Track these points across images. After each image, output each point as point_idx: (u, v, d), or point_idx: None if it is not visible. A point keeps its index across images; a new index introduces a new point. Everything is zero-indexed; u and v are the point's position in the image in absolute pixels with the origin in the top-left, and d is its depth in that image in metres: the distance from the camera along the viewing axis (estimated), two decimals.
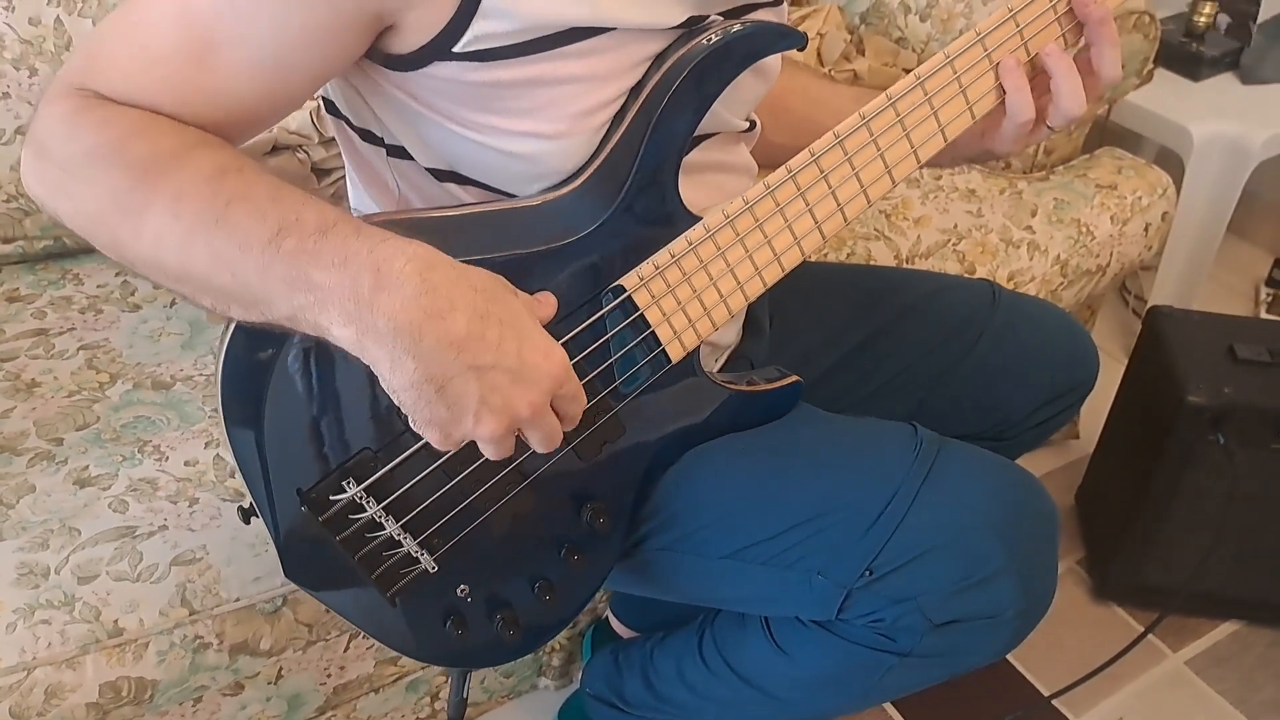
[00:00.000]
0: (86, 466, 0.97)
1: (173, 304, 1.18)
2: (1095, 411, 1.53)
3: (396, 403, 0.62)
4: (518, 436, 0.65)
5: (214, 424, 1.03)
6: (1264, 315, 1.95)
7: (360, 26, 0.65)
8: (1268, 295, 1.98)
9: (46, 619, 0.86)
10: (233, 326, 0.68)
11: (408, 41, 0.66)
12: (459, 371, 0.60)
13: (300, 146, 1.16)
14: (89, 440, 1.00)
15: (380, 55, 0.68)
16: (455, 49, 0.65)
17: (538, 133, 0.70)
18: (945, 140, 0.76)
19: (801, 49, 0.75)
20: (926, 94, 0.74)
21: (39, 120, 0.65)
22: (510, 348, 0.61)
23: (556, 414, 0.66)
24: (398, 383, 0.60)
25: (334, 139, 1.12)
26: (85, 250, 1.25)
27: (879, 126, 0.73)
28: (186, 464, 0.98)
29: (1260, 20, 1.87)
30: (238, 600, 0.91)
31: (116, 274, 1.22)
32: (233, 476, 0.98)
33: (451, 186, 0.74)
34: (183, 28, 0.63)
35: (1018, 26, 0.74)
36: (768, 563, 0.81)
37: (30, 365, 1.08)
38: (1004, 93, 0.76)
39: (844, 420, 0.88)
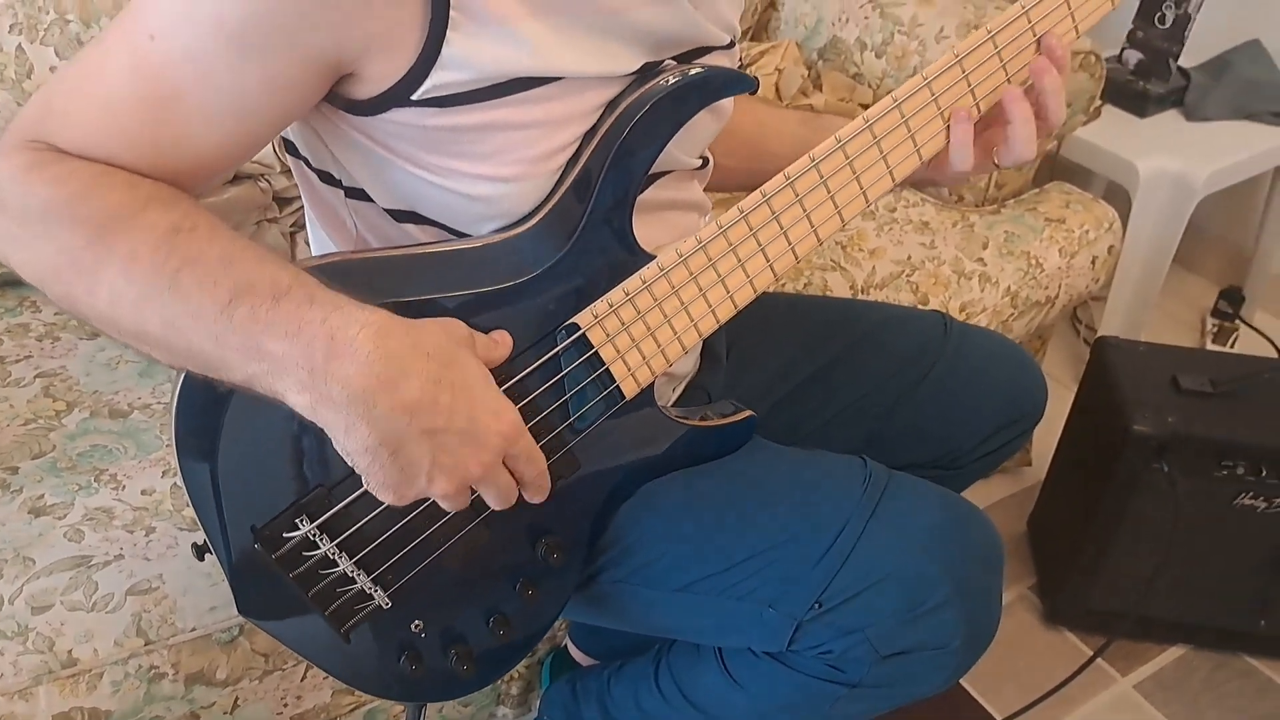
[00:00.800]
0: (42, 495, 0.97)
1: None
2: (1047, 439, 1.57)
3: (350, 465, 0.63)
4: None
5: (171, 453, 1.02)
6: (1210, 345, 2.00)
7: (318, 76, 0.65)
8: (1213, 326, 2.03)
9: (0, 649, 0.85)
10: (182, 380, 0.68)
11: (367, 89, 0.67)
12: (412, 436, 0.61)
13: (262, 175, 1.17)
14: (45, 469, 1.00)
15: (341, 100, 0.68)
16: (414, 96, 0.66)
17: (495, 175, 0.71)
18: (894, 181, 0.79)
19: (753, 93, 0.77)
20: (875, 137, 0.76)
21: None
22: (461, 410, 0.62)
23: (514, 474, 0.67)
24: (352, 447, 0.61)
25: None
26: None
27: (829, 169, 0.75)
28: (143, 493, 0.98)
29: (1203, 60, 1.93)
30: (193, 630, 0.91)
31: None
32: (189, 506, 0.98)
33: (410, 227, 0.75)
34: (140, 80, 0.63)
35: (964, 72, 0.76)
36: (721, 595, 0.82)
37: None
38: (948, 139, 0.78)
39: (796, 454, 0.89)
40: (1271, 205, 1.98)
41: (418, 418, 0.61)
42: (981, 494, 1.70)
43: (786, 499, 0.84)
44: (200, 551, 0.76)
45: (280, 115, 0.67)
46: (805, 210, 0.76)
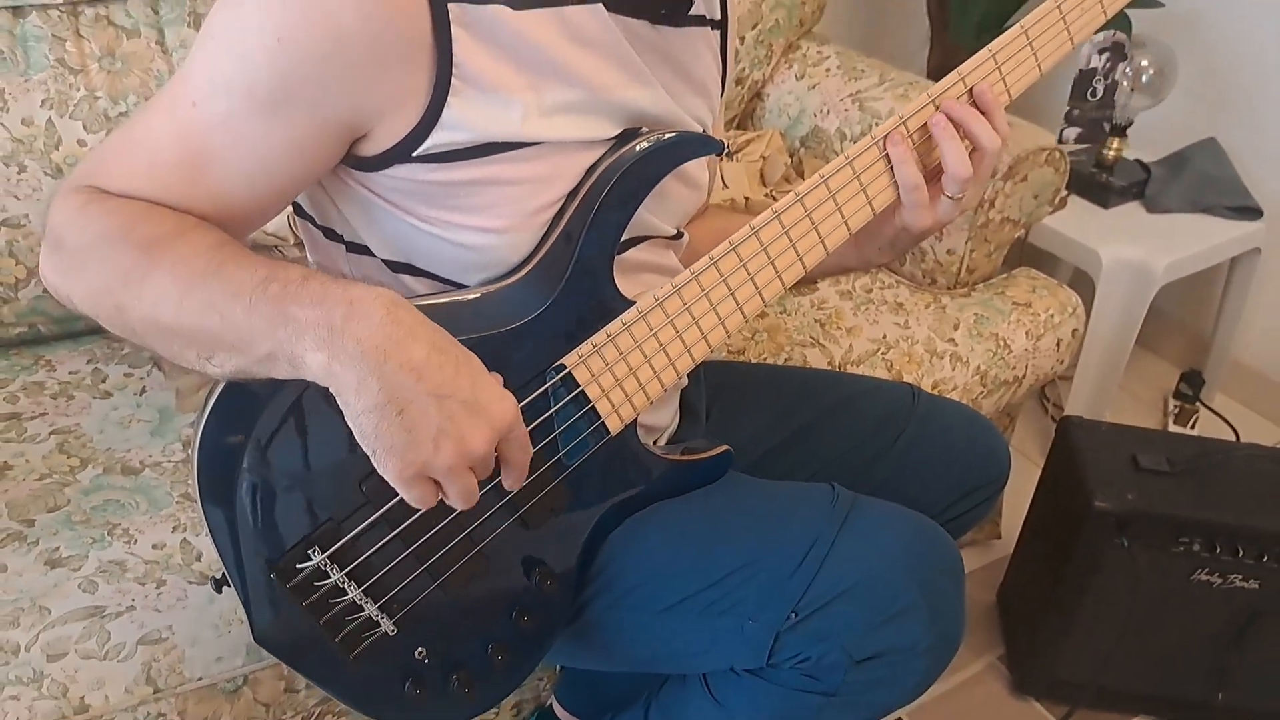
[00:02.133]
0: (57, 547, 1.01)
1: (142, 392, 1.23)
2: (1016, 513, 1.63)
3: (358, 434, 0.66)
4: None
5: (181, 509, 1.07)
6: (1172, 426, 2.07)
7: (337, 138, 0.74)
8: (1175, 407, 2.11)
9: (15, 695, 0.89)
10: (208, 411, 0.74)
11: (374, 146, 0.75)
12: (418, 396, 0.65)
13: (276, 247, 1.24)
14: (60, 522, 1.04)
15: (350, 157, 0.76)
16: (415, 153, 0.74)
17: (487, 227, 0.78)
18: (849, 231, 0.87)
19: (720, 154, 0.86)
20: (830, 191, 0.84)
21: (53, 216, 0.72)
22: (465, 381, 0.67)
23: (506, 461, 0.72)
24: (362, 405, 0.65)
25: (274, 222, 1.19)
26: (58, 337, 1.30)
27: (790, 220, 0.84)
28: (154, 547, 1.03)
29: (1163, 155, 2.05)
30: (200, 679, 0.95)
31: (88, 361, 1.27)
32: (199, 560, 1.02)
33: (405, 278, 0.82)
34: (181, 143, 0.72)
35: (908, 132, 0.86)
36: (704, 612, 0.87)
37: (3, 448, 1.13)
38: (894, 181, 0.86)
39: (769, 482, 0.97)
40: (1229, 294, 2.08)
41: (425, 378, 0.65)
42: None
43: (762, 519, 0.91)
44: (218, 584, 0.81)
45: (303, 174, 0.75)
46: (770, 258, 0.84)
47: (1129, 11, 1.84)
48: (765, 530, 0.89)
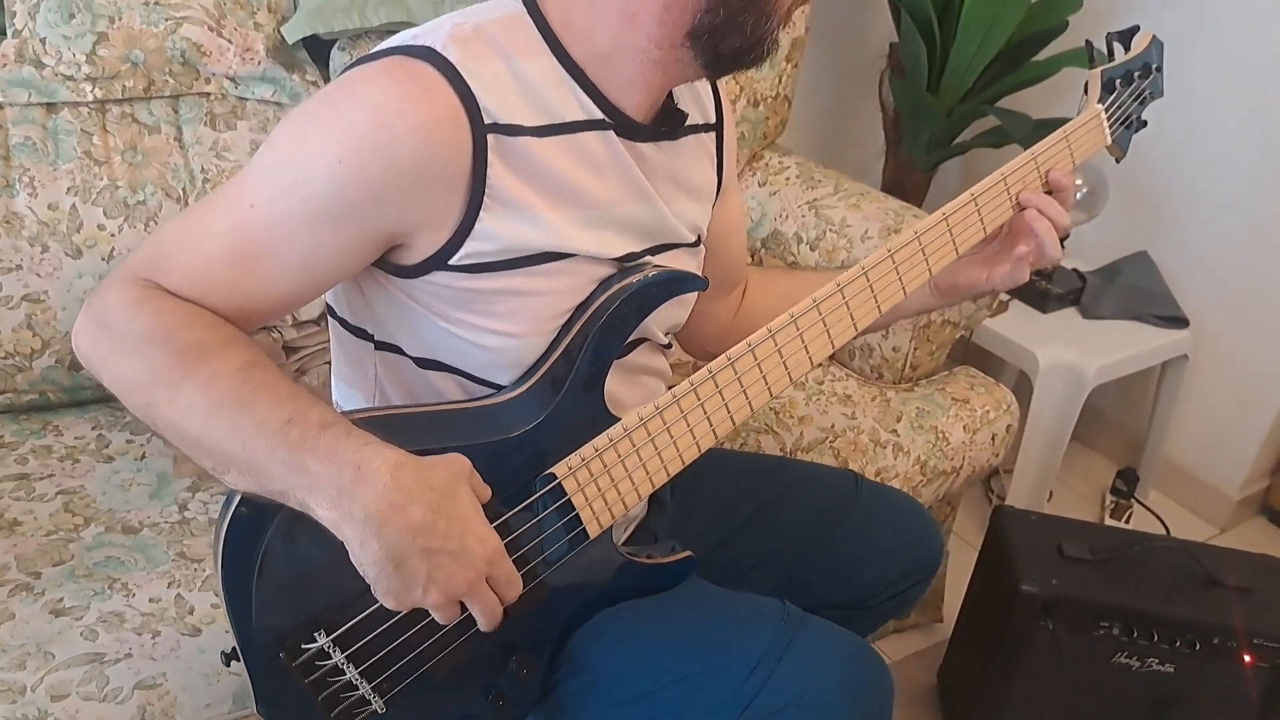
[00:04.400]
0: (61, 599, 1.10)
1: (142, 457, 1.33)
2: (957, 597, 1.74)
3: (360, 572, 0.77)
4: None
5: (176, 566, 1.16)
6: (1108, 520, 2.19)
7: (376, 244, 0.84)
8: (1111, 503, 2.24)
9: None
10: (229, 517, 0.82)
11: (414, 256, 0.85)
12: (413, 553, 0.76)
13: (275, 327, 1.35)
14: (64, 575, 1.13)
15: (390, 266, 0.87)
16: (451, 262, 0.85)
17: (508, 331, 0.89)
18: (812, 365, 0.98)
19: (704, 291, 0.97)
20: (799, 330, 0.95)
21: (106, 296, 0.81)
22: (455, 535, 0.77)
23: (495, 592, 0.81)
24: (365, 558, 0.76)
25: (305, 322, 1.31)
26: (66, 405, 1.39)
27: (762, 354, 0.94)
28: (151, 600, 1.11)
29: (1098, 266, 2.20)
30: None
31: (93, 428, 1.37)
32: (191, 614, 1.11)
33: (431, 374, 0.92)
34: (236, 238, 0.82)
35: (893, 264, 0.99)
36: (662, 709, 0.96)
37: (13, 506, 1.21)
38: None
39: (726, 593, 1.05)
40: (1160, 397, 2.22)
41: (419, 538, 0.76)
42: (897, 646, 1.86)
43: (718, 629, 0.99)
44: (228, 659, 0.89)
45: (340, 273, 0.86)
46: (743, 386, 0.94)
47: None
48: (719, 639, 0.98)
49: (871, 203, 1.73)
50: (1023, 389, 1.98)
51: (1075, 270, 2.16)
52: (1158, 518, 2.22)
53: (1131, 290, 2.14)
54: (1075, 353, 1.97)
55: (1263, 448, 2.18)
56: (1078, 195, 2.06)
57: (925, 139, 2.06)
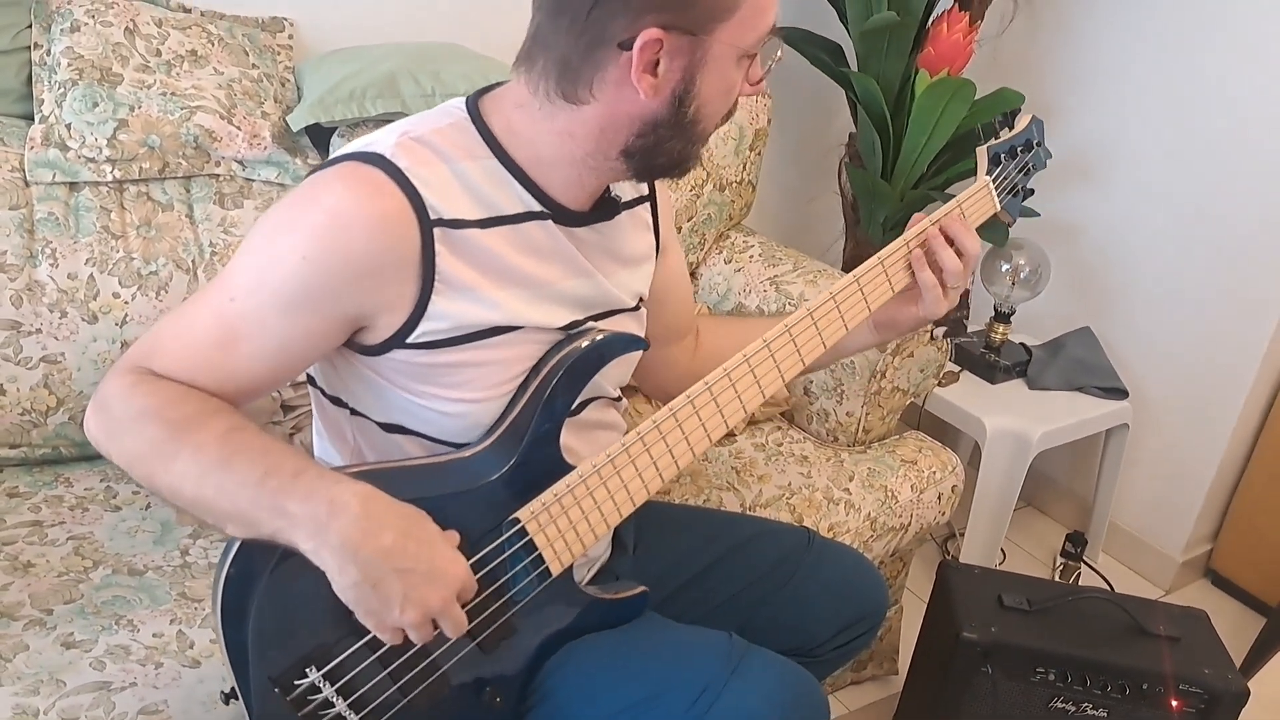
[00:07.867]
0: (72, 633, 1.19)
1: (148, 507, 1.43)
2: (910, 650, 1.84)
3: (344, 599, 0.87)
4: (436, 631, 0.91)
5: (178, 605, 1.26)
6: (1056, 580, 2.30)
7: (341, 329, 0.95)
8: (1060, 564, 2.34)
9: None
10: (227, 565, 0.91)
11: (376, 336, 0.97)
12: (387, 574, 0.87)
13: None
14: (74, 612, 1.23)
15: (357, 345, 0.98)
16: (408, 340, 0.96)
17: (464, 399, 1.00)
18: (746, 413, 1.09)
19: (645, 350, 1.08)
20: (732, 381, 1.07)
21: (108, 385, 0.93)
22: (424, 556, 0.89)
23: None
24: (344, 582, 0.87)
25: (301, 383, 1.42)
26: (77, 459, 1.50)
27: (700, 403, 1.06)
28: (154, 635, 1.21)
29: (1044, 340, 2.35)
30: None
31: (101, 480, 1.47)
32: (191, 648, 1.21)
33: (397, 437, 1.03)
34: (217, 328, 0.93)
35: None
36: None
37: (26, 549, 1.31)
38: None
39: (677, 625, 1.16)
40: (1105, 464, 2.35)
41: (390, 559, 0.87)
42: (856, 698, 1.95)
43: (668, 657, 1.09)
44: (227, 698, 0.99)
45: (311, 356, 0.97)
46: (684, 434, 1.06)
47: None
48: (670, 666, 1.07)
49: (828, 279, 1.88)
50: (976, 456, 2.10)
51: (1022, 344, 2.31)
52: (1104, 579, 2.32)
53: (1075, 363, 2.27)
54: (1020, 420, 2.10)
55: (1202, 512, 2.30)
56: (1021, 275, 2.22)
57: (881, 221, 2.21)
